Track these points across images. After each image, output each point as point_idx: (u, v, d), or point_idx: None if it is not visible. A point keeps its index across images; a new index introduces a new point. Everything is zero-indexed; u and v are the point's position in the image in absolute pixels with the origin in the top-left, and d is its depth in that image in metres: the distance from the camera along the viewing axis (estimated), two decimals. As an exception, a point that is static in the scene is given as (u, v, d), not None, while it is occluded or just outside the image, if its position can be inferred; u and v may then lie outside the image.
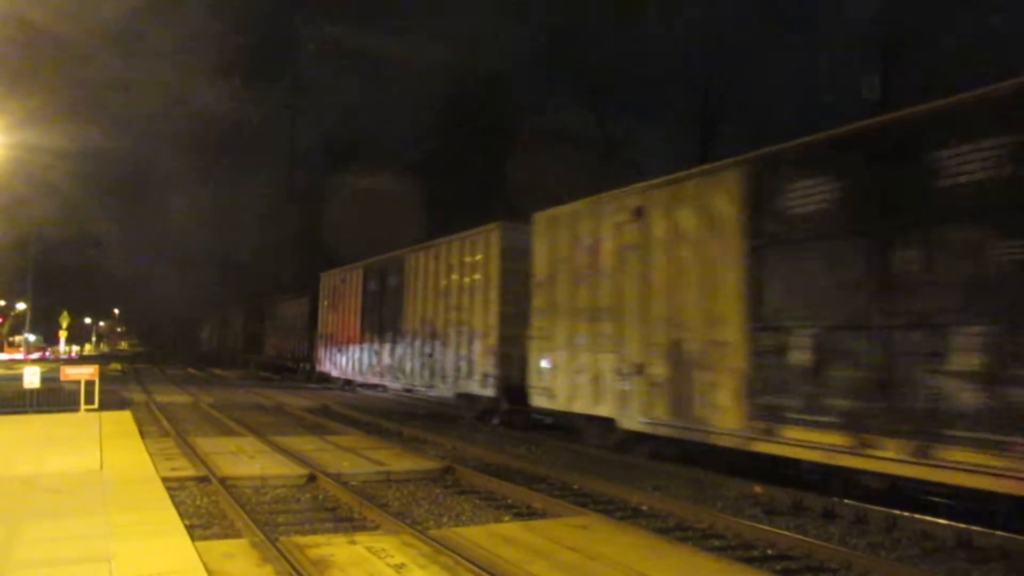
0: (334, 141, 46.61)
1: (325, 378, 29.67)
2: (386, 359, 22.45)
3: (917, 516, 8.31)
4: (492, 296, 16.75)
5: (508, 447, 14.06)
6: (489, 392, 16.73)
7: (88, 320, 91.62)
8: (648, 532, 7.90)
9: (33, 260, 52.14)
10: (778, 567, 6.97)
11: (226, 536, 7.59)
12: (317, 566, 6.27)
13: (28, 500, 8.16)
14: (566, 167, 31.47)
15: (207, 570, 5.78)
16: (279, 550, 6.54)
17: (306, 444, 13.39)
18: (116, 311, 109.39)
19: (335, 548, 6.82)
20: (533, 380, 14.73)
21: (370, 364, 23.89)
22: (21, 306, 59.59)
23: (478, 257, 17.44)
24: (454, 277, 18.47)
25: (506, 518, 8.66)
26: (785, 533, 7.92)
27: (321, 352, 29.25)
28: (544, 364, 14.45)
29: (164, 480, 9.35)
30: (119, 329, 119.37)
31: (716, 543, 7.83)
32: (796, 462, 9.83)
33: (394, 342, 21.82)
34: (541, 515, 8.76)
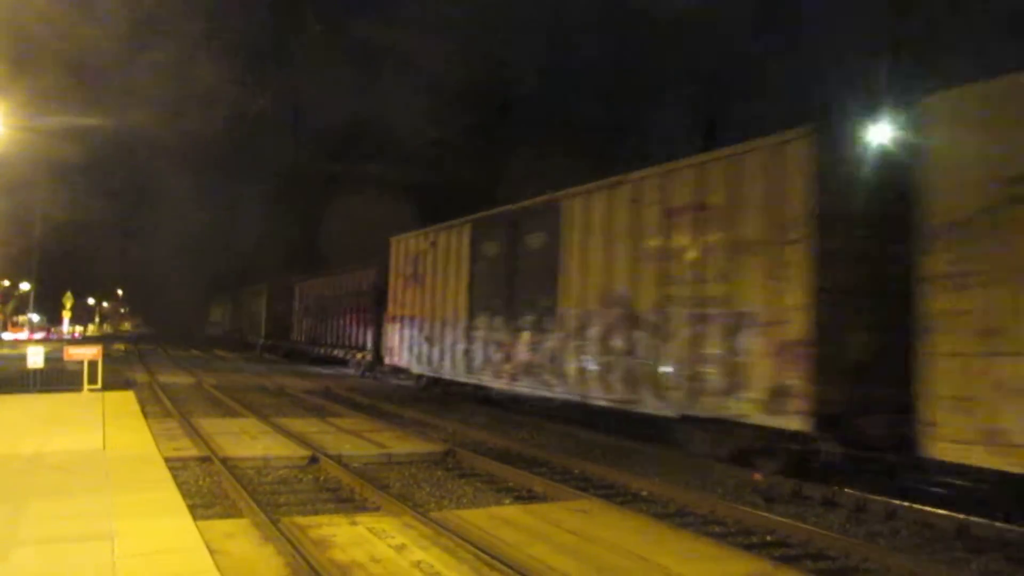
0: (337, 129, 46.46)
1: (383, 372, 24.30)
2: (522, 354, 15.33)
3: (916, 506, 8.34)
4: (794, 255, 9.76)
5: (510, 431, 14.09)
6: (786, 421, 9.63)
7: (92, 301, 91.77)
8: (648, 517, 7.92)
9: (38, 241, 52.24)
10: (777, 553, 6.99)
11: (228, 516, 7.63)
12: (318, 546, 6.31)
13: (32, 478, 8.21)
14: (570, 154, 31.39)
15: (209, 549, 5.81)
16: (280, 530, 6.57)
17: (308, 426, 13.44)
18: (120, 292, 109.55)
19: (336, 528, 6.86)
20: (945, 415, 7.58)
21: (486, 360, 16.67)
22: (25, 286, 59.72)
23: (752, 190, 10.42)
24: (683, 227, 11.50)
25: (507, 501, 8.70)
26: (785, 520, 7.94)
27: (393, 340, 21.86)
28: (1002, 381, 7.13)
29: (167, 460, 9.40)
30: (122, 310, 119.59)
31: (716, 529, 7.86)
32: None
33: (540, 329, 14.80)
34: (542, 499, 8.79)
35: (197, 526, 6.43)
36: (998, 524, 7.58)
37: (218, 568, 5.38)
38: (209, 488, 8.92)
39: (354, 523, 7.10)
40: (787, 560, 6.73)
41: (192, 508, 7.22)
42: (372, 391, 21.14)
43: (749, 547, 7.11)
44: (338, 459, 10.31)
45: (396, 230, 22.58)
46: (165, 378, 23.30)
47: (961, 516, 7.86)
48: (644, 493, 9.35)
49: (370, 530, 6.84)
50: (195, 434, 11.89)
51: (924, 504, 8.41)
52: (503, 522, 7.30)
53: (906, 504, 8.39)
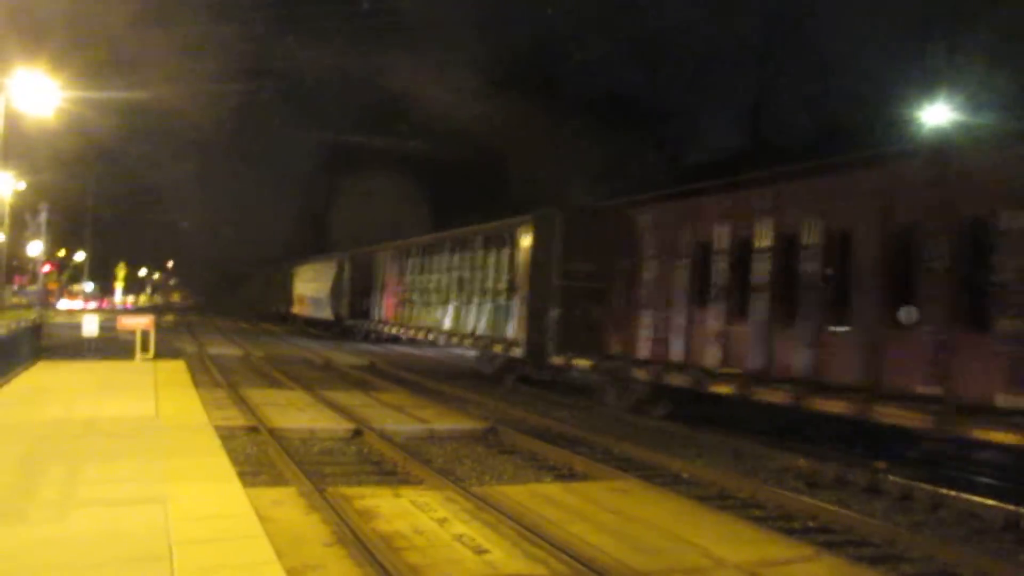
0: (375, 106, 46.01)
1: None
2: None
3: (964, 496, 8.19)
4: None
5: (550, 410, 14.15)
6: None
7: (143, 272, 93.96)
8: (688, 499, 7.92)
9: (90, 212, 53.54)
10: (819, 539, 6.94)
11: (275, 484, 7.82)
12: (363, 516, 6.44)
13: (88, 443, 8.49)
14: (616, 137, 31.02)
15: (258, 515, 5.97)
16: (326, 499, 6.72)
17: (352, 399, 13.65)
18: (170, 263, 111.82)
19: (380, 500, 6.99)
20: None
21: None
22: (80, 256, 61.41)
23: None
24: None
25: (547, 479, 8.77)
26: (827, 506, 7.87)
27: None
28: None
29: (216, 428, 9.64)
30: (171, 282, 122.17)
31: (756, 513, 7.83)
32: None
33: None
34: (582, 477, 8.84)
35: (246, 493, 6.60)
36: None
37: (267, 534, 5.52)
38: (257, 457, 9.14)
39: (398, 495, 7.22)
40: (829, 546, 6.69)
41: (241, 475, 7.40)
42: (415, 367, 21.36)
43: (790, 532, 7.08)
44: (381, 433, 10.48)
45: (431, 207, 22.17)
46: (214, 349, 23.82)
47: (1011, 507, 7.71)
48: (684, 475, 9.34)
49: (413, 503, 6.95)
50: (243, 404, 12.17)
51: (972, 494, 8.26)
52: (544, 499, 7.37)
53: (953, 494, 8.25)
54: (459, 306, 20.36)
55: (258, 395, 13.49)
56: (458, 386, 16.85)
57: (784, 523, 7.50)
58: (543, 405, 14.81)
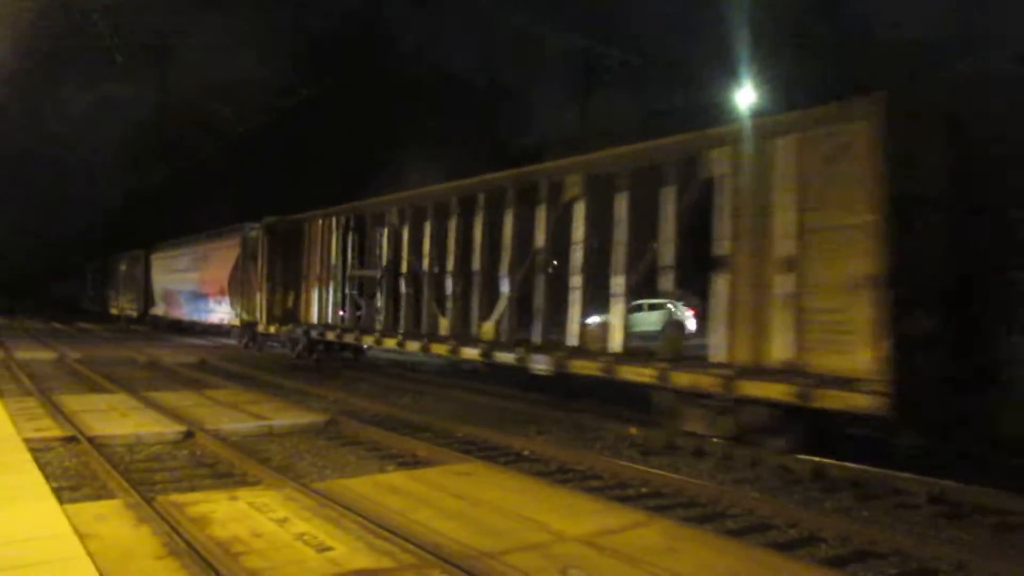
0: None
1: None
2: None
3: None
4: None
5: (392, 397, 14.08)
6: None
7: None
8: (530, 476, 8.14)
9: None
10: (651, 504, 7.35)
11: (98, 498, 7.30)
12: (197, 523, 6.15)
13: None
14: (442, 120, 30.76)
15: (78, 533, 5.57)
16: (155, 510, 6.37)
17: (183, 400, 12.97)
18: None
19: (215, 505, 6.69)
20: None
21: None
22: None
23: None
24: None
25: (391, 468, 8.73)
26: (658, 472, 8.34)
27: None
28: None
29: (27, 441, 8.86)
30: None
31: (595, 484, 8.17)
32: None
33: None
34: (426, 464, 8.86)
35: (64, 510, 6.14)
36: (850, 466, 8.22)
37: (89, 553, 5.17)
38: (76, 469, 8.50)
39: (234, 498, 6.95)
40: (661, 510, 7.09)
41: (58, 491, 6.88)
42: (251, 362, 20.60)
43: (625, 499, 7.44)
44: (215, 433, 10.04)
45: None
46: (23, 354, 21.88)
47: (817, 459, 8.47)
48: (526, 453, 9.59)
49: (251, 504, 6.72)
50: (58, 413, 11.27)
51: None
52: (388, 489, 7.33)
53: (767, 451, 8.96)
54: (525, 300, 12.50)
55: (75, 401, 12.54)
56: (297, 379, 16.42)
57: (620, 491, 7.87)
58: (384, 393, 14.67)
